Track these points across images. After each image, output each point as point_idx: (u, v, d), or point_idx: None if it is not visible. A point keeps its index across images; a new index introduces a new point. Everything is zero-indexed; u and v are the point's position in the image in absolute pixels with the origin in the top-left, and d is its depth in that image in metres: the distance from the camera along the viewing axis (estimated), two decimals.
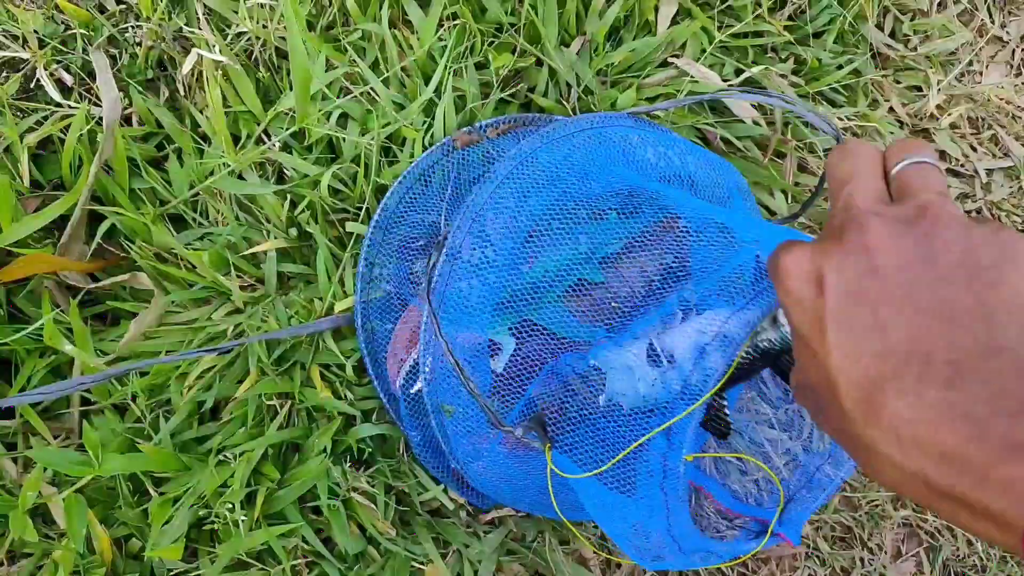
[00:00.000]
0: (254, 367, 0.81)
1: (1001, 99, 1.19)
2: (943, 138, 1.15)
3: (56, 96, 0.83)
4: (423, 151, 0.85)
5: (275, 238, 0.84)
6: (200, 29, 0.85)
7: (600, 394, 0.67)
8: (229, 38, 0.87)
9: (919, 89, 1.15)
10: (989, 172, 1.18)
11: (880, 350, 0.32)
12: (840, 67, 1.05)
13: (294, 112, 0.84)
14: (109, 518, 0.79)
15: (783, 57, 1.05)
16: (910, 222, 0.34)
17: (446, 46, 0.87)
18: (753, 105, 0.99)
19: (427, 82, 0.87)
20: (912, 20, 1.15)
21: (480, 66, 0.90)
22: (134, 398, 0.80)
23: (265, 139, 0.86)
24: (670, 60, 0.97)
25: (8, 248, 0.77)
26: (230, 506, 0.76)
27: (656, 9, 0.97)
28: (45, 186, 0.83)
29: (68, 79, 0.86)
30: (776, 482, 0.81)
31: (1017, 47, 1.21)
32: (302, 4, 0.86)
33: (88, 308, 0.83)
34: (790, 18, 1.05)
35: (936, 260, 0.33)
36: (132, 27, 0.87)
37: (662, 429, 0.57)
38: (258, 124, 0.85)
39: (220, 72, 0.84)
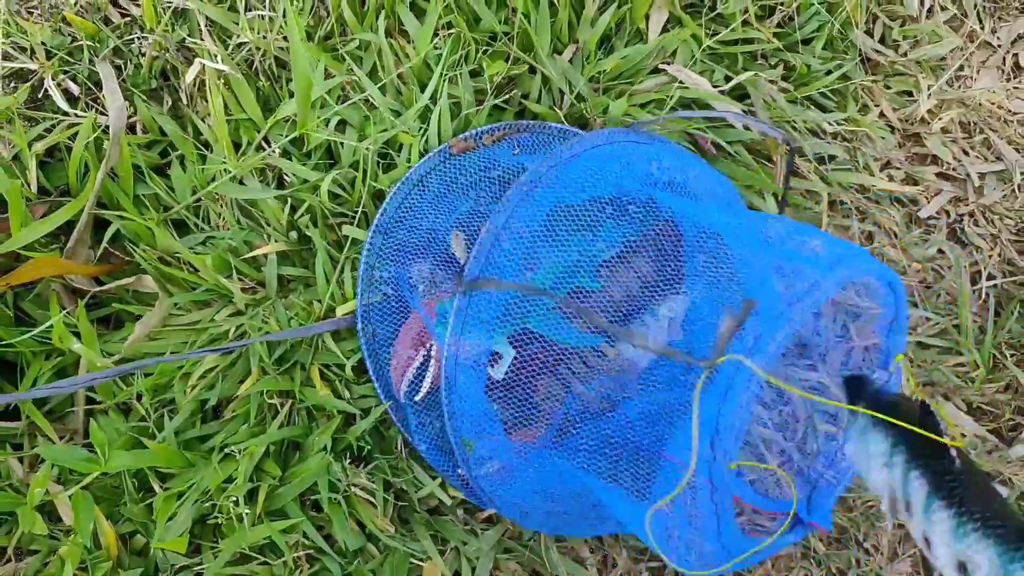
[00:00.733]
0: (255, 367, 0.83)
1: (993, 103, 1.20)
2: (935, 142, 1.16)
3: (63, 105, 0.86)
4: (420, 156, 0.88)
5: (275, 242, 0.86)
6: (202, 40, 0.88)
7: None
8: (230, 48, 0.89)
9: (909, 94, 1.17)
10: (981, 176, 1.19)
11: None
12: (829, 72, 1.07)
13: (294, 119, 0.86)
14: (114, 514, 0.81)
15: (772, 63, 1.06)
16: None
17: (441, 54, 0.89)
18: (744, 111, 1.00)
19: (423, 89, 0.89)
20: (902, 26, 1.16)
21: (475, 74, 0.93)
22: (139, 397, 0.82)
23: (265, 146, 0.88)
24: (661, 67, 0.99)
25: (17, 252, 0.79)
26: (234, 499, 0.78)
27: (647, 17, 0.99)
28: (52, 192, 0.86)
29: (75, 89, 0.89)
30: (789, 482, 0.82)
31: (1008, 52, 1.23)
32: (301, 14, 0.89)
33: (94, 311, 0.85)
34: (779, 25, 1.07)
35: None
36: (137, 38, 0.90)
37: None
38: (258, 131, 0.87)
39: (222, 81, 0.87)
